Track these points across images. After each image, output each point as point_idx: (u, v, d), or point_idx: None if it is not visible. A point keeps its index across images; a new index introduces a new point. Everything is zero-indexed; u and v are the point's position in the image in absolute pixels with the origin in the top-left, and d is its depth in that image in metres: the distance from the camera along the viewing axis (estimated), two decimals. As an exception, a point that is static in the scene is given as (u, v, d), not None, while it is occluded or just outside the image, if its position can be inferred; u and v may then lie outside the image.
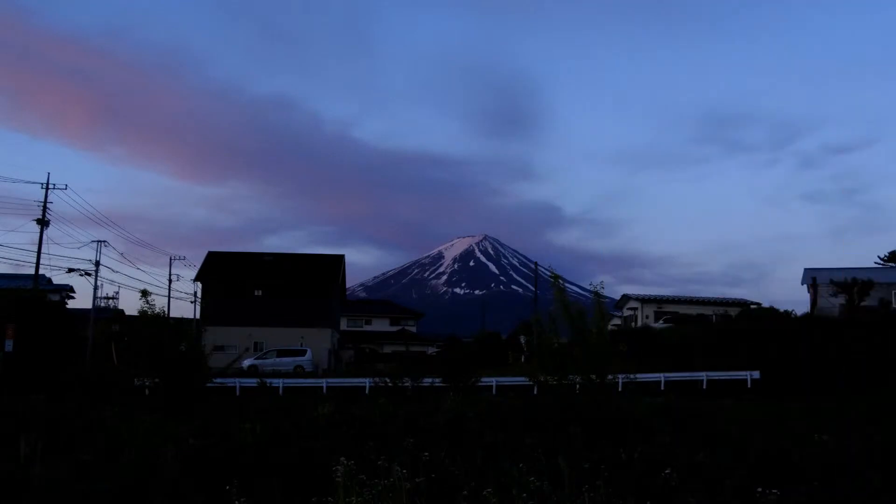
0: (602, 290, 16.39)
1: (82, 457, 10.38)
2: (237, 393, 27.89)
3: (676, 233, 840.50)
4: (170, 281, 61.44)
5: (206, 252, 59.03)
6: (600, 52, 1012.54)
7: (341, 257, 59.89)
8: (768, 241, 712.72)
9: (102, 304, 56.28)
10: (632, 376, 20.91)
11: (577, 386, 15.18)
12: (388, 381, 24.24)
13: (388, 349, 60.78)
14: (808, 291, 44.13)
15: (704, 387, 29.11)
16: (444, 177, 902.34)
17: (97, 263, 46.19)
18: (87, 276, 45.81)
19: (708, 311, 50.02)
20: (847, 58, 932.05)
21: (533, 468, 7.59)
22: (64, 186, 42.81)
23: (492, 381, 29.44)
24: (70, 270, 45.08)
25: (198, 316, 57.87)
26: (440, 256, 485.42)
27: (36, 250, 40.40)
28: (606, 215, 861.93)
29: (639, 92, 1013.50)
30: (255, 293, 54.71)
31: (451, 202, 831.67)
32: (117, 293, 63.61)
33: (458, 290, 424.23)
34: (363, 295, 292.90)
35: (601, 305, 16.23)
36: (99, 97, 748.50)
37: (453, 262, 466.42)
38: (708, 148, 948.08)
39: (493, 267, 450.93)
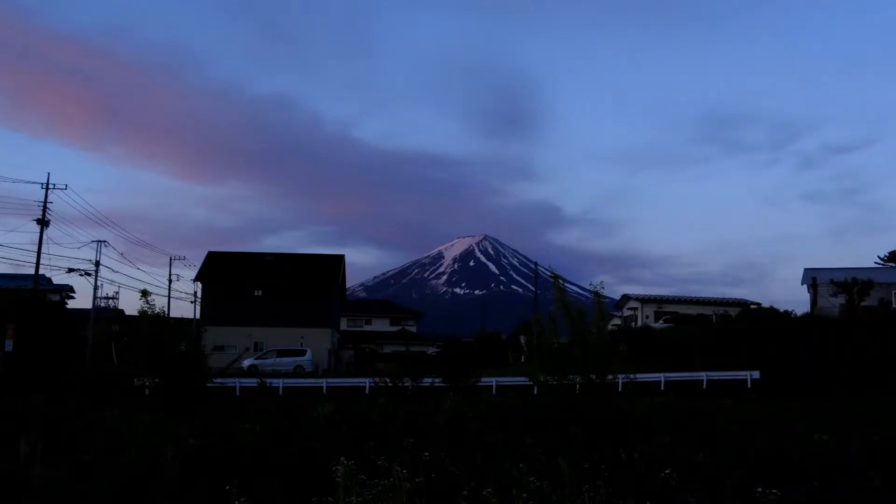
0: (602, 290, 16.38)
1: (82, 457, 10.38)
2: (237, 393, 27.90)
3: (676, 233, 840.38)
4: (170, 281, 61.57)
5: (206, 252, 59.14)
6: (600, 52, 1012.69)
7: (341, 257, 59.92)
8: (768, 241, 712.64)
9: (102, 304, 56.32)
10: (632, 376, 20.90)
11: (577, 386, 15.18)
12: (388, 381, 24.25)
13: (388, 349, 60.77)
14: (808, 291, 44.14)
15: (704, 387, 29.11)
16: (444, 177, 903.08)
17: (97, 263, 46.26)
18: (87, 276, 45.91)
19: (708, 311, 50.02)
20: (847, 58, 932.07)
21: (533, 468, 7.59)
22: (64, 186, 42.89)
23: (492, 381, 29.43)
24: (70, 270, 45.15)
25: (198, 316, 57.89)
26: (440, 256, 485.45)
27: (36, 250, 40.46)
28: (606, 215, 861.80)
29: (639, 92, 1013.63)
30: (255, 293, 54.72)
31: (451, 202, 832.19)
32: (117, 293, 63.78)
33: (458, 290, 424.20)
34: (363, 295, 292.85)
35: (601, 305, 16.23)
36: (99, 97, 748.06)
37: (453, 262, 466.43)
38: (708, 148, 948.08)
39: (493, 267, 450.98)
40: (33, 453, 10.04)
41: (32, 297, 35.45)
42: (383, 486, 6.63)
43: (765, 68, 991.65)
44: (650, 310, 53.45)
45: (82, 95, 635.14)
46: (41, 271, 41.60)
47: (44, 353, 29.61)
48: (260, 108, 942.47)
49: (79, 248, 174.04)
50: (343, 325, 67.67)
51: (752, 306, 48.15)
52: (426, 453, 8.84)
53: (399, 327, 75.13)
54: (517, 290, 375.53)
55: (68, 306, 48.73)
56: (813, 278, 43.46)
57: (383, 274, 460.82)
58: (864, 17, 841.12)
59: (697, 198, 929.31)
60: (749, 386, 28.61)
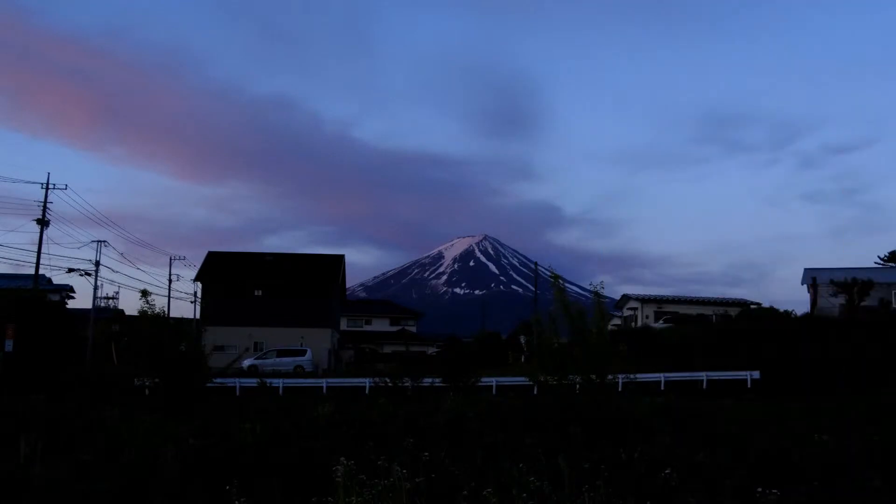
0: (602, 290, 16.38)
1: (82, 457, 10.39)
2: (237, 393, 27.90)
3: (676, 233, 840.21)
4: (170, 281, 61.56)
5: (206, 252, 59.12)
6: (600, 52, 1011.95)
7: (341, 257, 59.92)
8: (768, 241, 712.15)
9: (102, 304, 56.32)
10: (632, 376, 20.89)
11: (577, 386, 15.18)
12: (388, 381, 24.25)
13: (388, 349, 60.78)
14: (808, 291, 44.15)
15: (704, 387, 29.11)
16: (444, 177, 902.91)
17: (97, 263, 46.24)
18: (87, 276, 45.88)
19: (708, 311, 50.02)
20: (847, 58, 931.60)
21: (533, 468, 7.59)
22: (64, 186, 42.88)
23: (492, 381, 29.43)
24: (70, 270, 45.13)
25: (198, 316, 57.89)
26: (440, 256, 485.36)
27: (36, 250, 40.44)
28: (606, 215, 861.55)
29: (639, 92, 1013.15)
30: (255, 293, 54.72)
31: (451, 202, 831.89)
32: (117, 293, 63.79)
33: (458, 290, 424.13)
34: (363, 295, 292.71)
35: (601, 305, 16.23)
36: (99, 97, 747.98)
37: (453, 262, 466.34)
38: (708, 148, 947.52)
39: (493, 267, 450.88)
40: (33, 453, 10.04)
41: (32, 297, 35.45)
42: (383, 486, 6.63)
43: (765, 68, 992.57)
44: (650, 310, 53.44)
45: (82, 95, 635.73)
46: (41, 271, 41.62)
47: (44, 353, 29.61)
48: (260, 108, 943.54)
49: (79, 248, 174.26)
50: (343, 325, 67.66)
51: (752, 306, 48.14)
52: (426, 453, 8.84)
53: (399, 327, 75.11)
54: (517, 290, 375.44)
55: (68, 306, 48.74)
56: (813, 278, 43.46)
57: (383, 274, 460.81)
58: (864, 17, 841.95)
59: (697, 198, 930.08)
60: (749, 386, 28.61)
